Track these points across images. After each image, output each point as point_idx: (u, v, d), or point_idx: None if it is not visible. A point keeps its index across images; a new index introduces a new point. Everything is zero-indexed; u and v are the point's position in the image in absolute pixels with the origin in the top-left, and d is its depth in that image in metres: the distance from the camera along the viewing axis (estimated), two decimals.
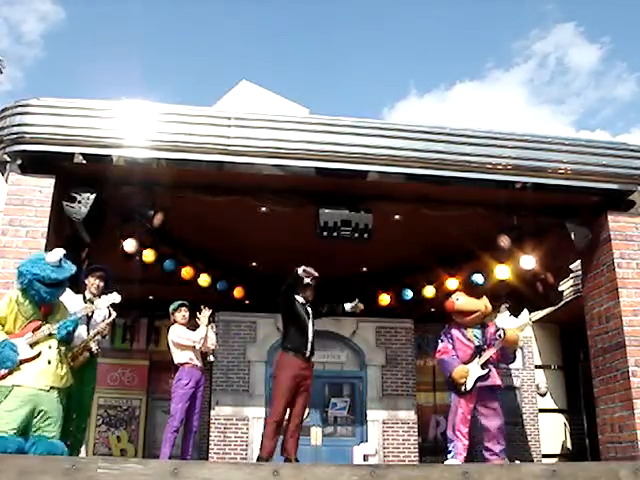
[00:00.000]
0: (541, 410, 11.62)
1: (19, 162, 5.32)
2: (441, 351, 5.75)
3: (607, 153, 5.83)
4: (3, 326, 4.04)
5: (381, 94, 61.15)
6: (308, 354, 5.75)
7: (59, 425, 4.01)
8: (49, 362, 4.01)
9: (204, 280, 8.29)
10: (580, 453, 10.97)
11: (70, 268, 4.23)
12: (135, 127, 5.35)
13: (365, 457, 7.72)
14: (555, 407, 11.76)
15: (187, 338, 6.23)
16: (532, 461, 10.63)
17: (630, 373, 5.43)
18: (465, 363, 5.59)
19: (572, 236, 6.03)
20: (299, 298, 5.90)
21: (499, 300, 8.80)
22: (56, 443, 3.93)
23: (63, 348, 4.17)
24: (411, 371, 10.16)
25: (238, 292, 9.08)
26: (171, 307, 6.45)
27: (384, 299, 9.33)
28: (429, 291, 8.77)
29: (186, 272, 7.90)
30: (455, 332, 5.72)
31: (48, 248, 5.16)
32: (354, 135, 5.54)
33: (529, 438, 11.29)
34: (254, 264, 8.81)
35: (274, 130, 5.46)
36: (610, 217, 5.89)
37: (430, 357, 11.54)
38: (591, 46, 58.93)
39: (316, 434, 9.58)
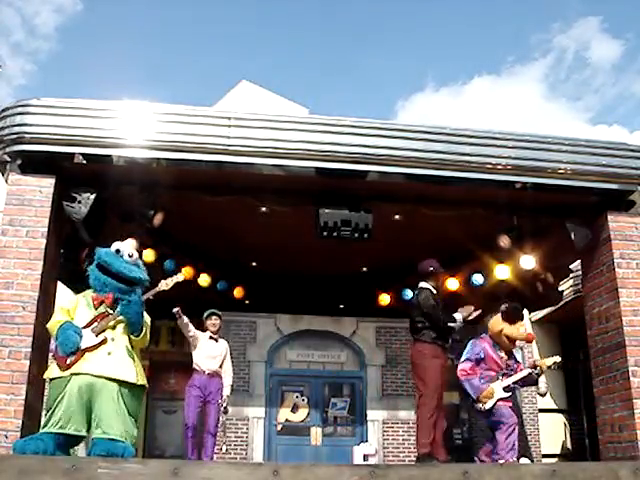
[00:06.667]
0: (541, 410, 11.61)
1: (19, 162, 5.30)
2: (467, 372, 5.84)
3: (607, 153, 5.82)
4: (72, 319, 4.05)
5: (398, 87, 60.93)
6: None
7: (121, 423, 3.83)
8: (109, 354, 3.93)
9: (204, 280, 8.28)
10: (580, 453, 10.96)
11: (124, 264, 4.15)
12: (135, 127, 5.35)
13: (365, 457, 7.71)
14: (555, 407, 11.76)
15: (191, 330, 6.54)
16: (532, 461, 10.62)
17: (630, 373, 5.43)
18: (488, 381, 5.77)
19: (572, 236, 6.02)
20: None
21: (499, 300, 8.82)
22: (117, 442, 3.77)
23: (128, 341, 4.05)
24: (411, 371, 10.16)
25: (238, 292, 9.08)
26: (205, 314, 6.80)
27: (384, 299, 9.33)
28: None
29: (186, 272, 7.89)
30: (488, 348, 5.86)
31: (48, 248, 5.18)
32: (354, 135, 5.54)
33: (529, 438, 11.28)
34: (254, 264, 8.81)
35: (274, 130, 5.46)
36: (610, 217, 5.88)
37: None
38: (614, 41, 58.42)
39: (316, 434, 9.59)
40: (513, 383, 5.87)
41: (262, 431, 9.49)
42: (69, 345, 3.87)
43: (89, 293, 4.18)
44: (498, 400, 5.71)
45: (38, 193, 5.27)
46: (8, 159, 5.30)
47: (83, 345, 3.92)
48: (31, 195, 5.26)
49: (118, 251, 4.23)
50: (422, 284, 5.85)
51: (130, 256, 4.26)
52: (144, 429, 10.64)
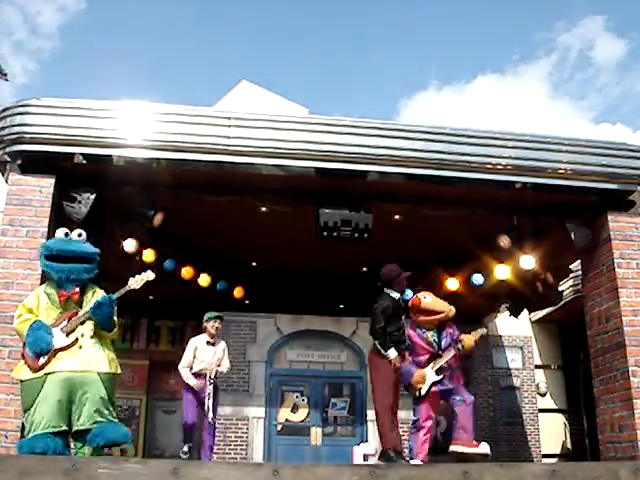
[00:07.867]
0: (541, 410, 11.61)
1: (19, 162, 5.32)
2: None
3: (607, 153, 5.83)
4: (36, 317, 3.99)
5: (401, 86, 60.78)
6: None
7: (106, 409, 3.84)
8: (80, 347, 3.90)
9: (204, 280, 8.29)
10: (580, 453, 10.95)
11: (81, 245, 4.15)
12: (135, 127, 5.36)
13: (365, 457, 7.68)
14: (555, 407, 11.75)
15: (185, 362, 6.42)
16: (532, 461, 10.62)
17: (630, 373, 5.44)
18: (421, 367, 5.55)
19: (572, 236, 6.03)
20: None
21: (499, 300, 8.82)
22: (117, 426, 3.83)
23: (96, 337, 4.00)
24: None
25: (238, 292, 9.09)
26: (206, 316, 6.50)
27: None
28: None
29: (186, 272, 7.90)
30: (413, 334, 5.61)
31: None
32: (354, 135, 5.55)
33: (529, 438, 11.28)
34: (254, 264, 8.82)
35: (274, 130, 5.47)
36: (610, 217, 5.89)
37: None
38: (618, 40, 58.12)
39: (316, 434, 9.58)
40: (445, 363, 5.58)
41: (262, 431, 9.48)
42: (42, 346, 3.82)
43: (50, 289, 4.07)
44: (432, 386, 5.50)
45: (38, 193, 5.28)
46: (8, 159, 5.32)
47: (55, 345, 3.88)
48: (31, 195, 5.26)
49: (67, 234, 4.20)
50: (387, 290, 5.61)
51: (79, 235, 4.24)
52: (144, 429, 10.68)
